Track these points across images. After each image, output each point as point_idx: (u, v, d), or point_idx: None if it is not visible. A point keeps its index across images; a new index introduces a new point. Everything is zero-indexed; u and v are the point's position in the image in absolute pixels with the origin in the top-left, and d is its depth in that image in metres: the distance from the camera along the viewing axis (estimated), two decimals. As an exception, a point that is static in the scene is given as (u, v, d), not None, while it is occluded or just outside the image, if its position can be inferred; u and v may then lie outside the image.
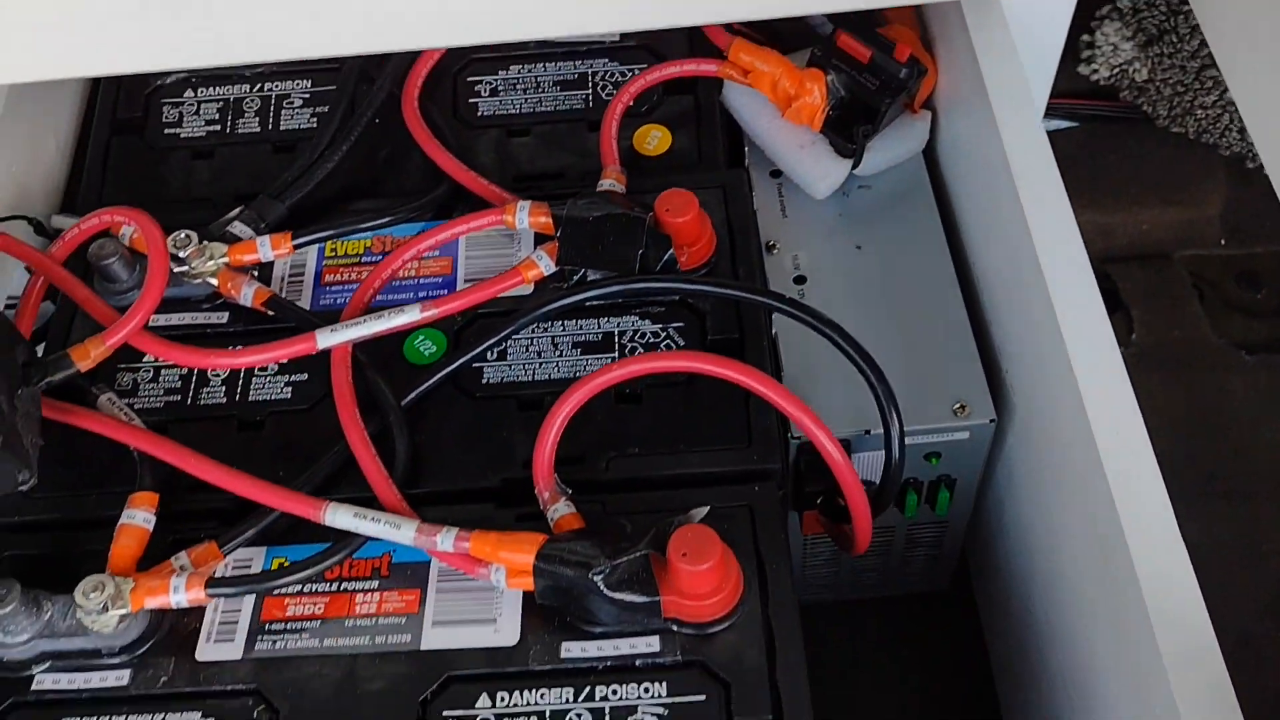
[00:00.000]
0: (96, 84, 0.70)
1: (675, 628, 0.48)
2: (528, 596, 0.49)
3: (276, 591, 0.50)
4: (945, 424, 0.58)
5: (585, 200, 0.58)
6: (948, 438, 0.58)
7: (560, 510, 0.49)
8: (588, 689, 0.47)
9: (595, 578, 0.46)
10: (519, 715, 0.46)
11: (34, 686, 0.48)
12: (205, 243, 0.57)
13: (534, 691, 0.47)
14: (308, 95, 0.68)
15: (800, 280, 0.63)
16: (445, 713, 0.46)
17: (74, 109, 0.70)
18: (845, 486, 0.52)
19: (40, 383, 0.50)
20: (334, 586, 0.50)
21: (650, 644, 0.47)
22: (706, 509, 0.48)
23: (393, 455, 0.52)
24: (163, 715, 0.47)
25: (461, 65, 0.68)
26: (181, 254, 0.56)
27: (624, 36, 0.69)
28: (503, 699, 0.46)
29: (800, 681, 0.46)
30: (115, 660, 0.48)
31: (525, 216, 0.58)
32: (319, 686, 0.47)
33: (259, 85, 0.68)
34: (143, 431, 0.52)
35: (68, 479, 0.54)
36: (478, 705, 0.46)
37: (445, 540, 0.48)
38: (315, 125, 0.66)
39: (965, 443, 0.59)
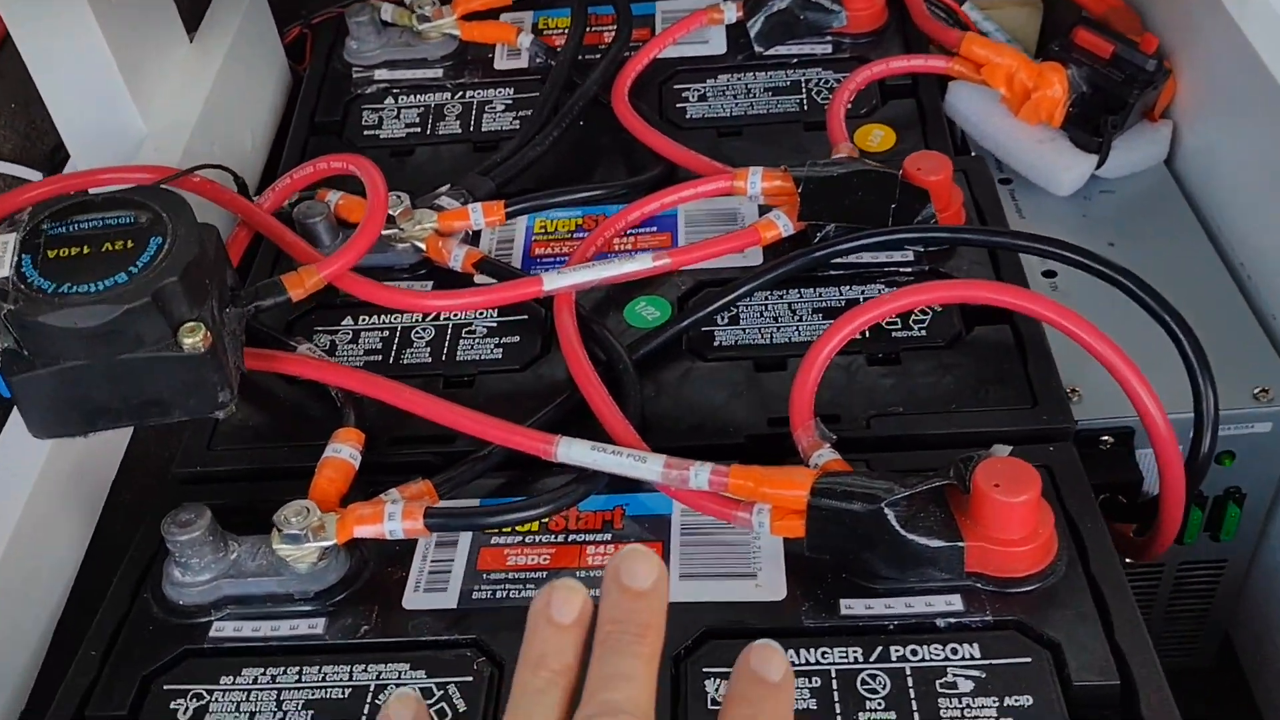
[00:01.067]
0: (296, 90, 0.70)
1: (978, 584, 0.39)
2: (789, 549, 0.41)
3: (496, 540, 0.43)
4: (1246, 409, 0.50)
5: (826, 160, 0.53)
6: (1247, 429, 0.51)
7: (824, 456, 0.42)
8: (879, 649, 0.38)
9: (888, 510, 0.39)
10: (800, 675, 0.38)
11: (211, 633, 0.41)
12: (415, 210, 0.54)
13: (813, 650, 0.38)
14: (510, 101, 0.66)
15: (1049, 274, 0.57)
16: (705, 669, 0.38)
17: (271, 112, 0.70)
18: (1162, 458, 0.43)
19: (249, 305, 0.45)
20: (560, 538, 0.43)
21: (950, 602, 0.39)
22: (1010, 448, 0.41)
23: (622, 410, 0.46)
24: (363, 666, 0.39)
25: (667, 76, 0.66)
26: (393, 213, 0.53)
27: (835, 49, 0.66)
28: (775, 657, 0.38)
29: (1144, 643, 0.37)
30: (307, 607, 0.41)
31: (758, 181, 0.54)
32: (549, 639, 0.39)
33: (459, 93, 0.67)
34: (352, 370, 0.47)
35: (257, 430, 0.48)
36: (745, 663, 0.38)
37: (699, 476, 0.41)
38: (517, 127, 0.64)
39: (1265, 438, 0.51)
